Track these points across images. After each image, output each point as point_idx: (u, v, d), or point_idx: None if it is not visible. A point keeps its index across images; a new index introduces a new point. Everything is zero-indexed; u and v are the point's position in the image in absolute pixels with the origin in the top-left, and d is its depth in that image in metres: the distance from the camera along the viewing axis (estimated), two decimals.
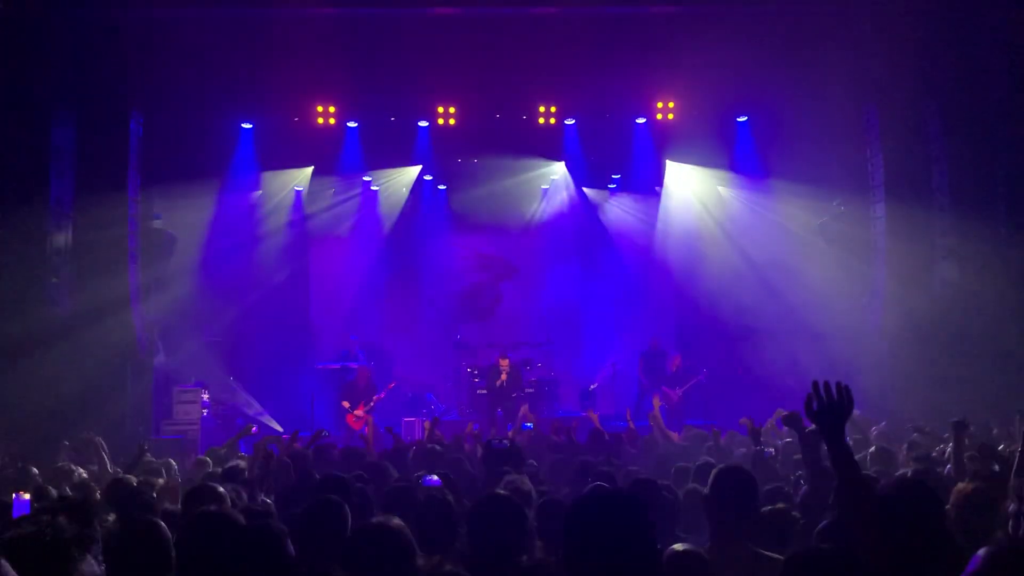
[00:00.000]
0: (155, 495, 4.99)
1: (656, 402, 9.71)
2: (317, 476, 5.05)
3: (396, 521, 3.14)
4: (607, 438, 7.92)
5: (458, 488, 4.81)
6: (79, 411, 10.55)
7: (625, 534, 2.23)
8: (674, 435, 8.78)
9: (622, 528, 2.24)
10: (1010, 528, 3.35)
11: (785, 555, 2.69)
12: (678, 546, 3.37)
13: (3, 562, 2.05)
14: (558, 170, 15.80)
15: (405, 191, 15.93)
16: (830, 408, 2.92)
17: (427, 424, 8.58)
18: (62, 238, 11.45)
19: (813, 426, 3.10)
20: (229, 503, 4.11)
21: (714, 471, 3.82)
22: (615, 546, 2.21)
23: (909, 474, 4.87)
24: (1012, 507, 3.45)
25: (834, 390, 2.93)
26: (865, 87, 12.51)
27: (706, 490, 3.73)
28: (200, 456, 8.41)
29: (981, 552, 1.98)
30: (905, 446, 6.97)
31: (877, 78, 12.11)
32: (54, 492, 4.82)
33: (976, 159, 11.46)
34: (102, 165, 11.83)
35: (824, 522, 3.63)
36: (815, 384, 2.97)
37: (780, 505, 4.35)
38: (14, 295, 10.53)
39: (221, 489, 4.10)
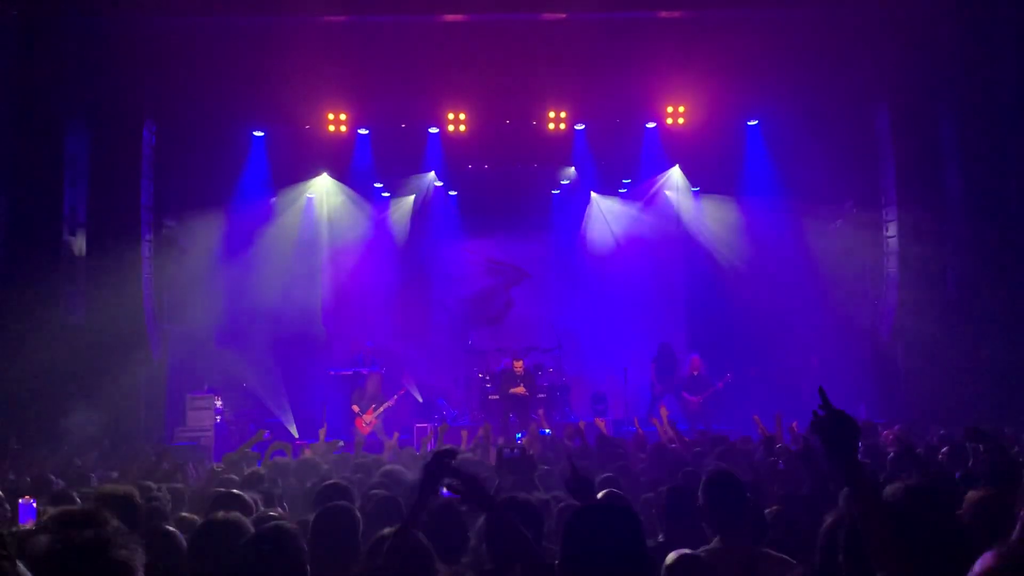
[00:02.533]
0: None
1: (664, 411, 9.67)
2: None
3: (417, 532, 3.17)
4: (614, 443, 7.92)
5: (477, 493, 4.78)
6: (94, 419, 10.63)
7: (618, 544, 2.30)
8: (685, 439, 8.78)
9: (615, 539, 2.31)
10: (1018, 531, 3.32)
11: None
12: (677, 552, 3.39)
13: (20, 565, 2.05)
14: (568, 175, 15.80)
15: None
16: (839, 425, 2.76)
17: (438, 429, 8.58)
18: (76, 246, 11.54)
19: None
20: (253, 509, 4.14)
21: (704, 478, 3.86)
22: (608, 556, 2.28)
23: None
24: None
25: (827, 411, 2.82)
26: (876, 89, 12.49)
27: (699, 497, 3.78)
28: (216, 463, 8.45)
29: (988, 555, 1.95)
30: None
31: (888, 79, 12.09)
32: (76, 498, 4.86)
33: (988, 160, 11.42)
34: (115, 174, 11.94)
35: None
36: (825, 400, 2.89)
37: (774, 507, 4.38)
38: (30, 303, 10.60)
39: (245, 495, 4.12)
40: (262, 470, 6.54)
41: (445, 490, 3.33)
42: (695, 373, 14.29)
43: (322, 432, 9.45)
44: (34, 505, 4.21)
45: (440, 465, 3.20)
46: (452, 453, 3.26)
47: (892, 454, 6.59)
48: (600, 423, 9.19)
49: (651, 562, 2.42)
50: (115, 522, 2.50)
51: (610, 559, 2.25)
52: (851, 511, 2.87)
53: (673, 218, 16.03)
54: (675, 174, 15.52)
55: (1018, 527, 3.05)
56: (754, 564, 3.43)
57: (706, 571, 3.26)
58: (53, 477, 7.16)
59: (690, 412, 13.85)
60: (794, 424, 8.42)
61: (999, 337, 10.99)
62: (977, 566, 1.93)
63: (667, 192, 15.90)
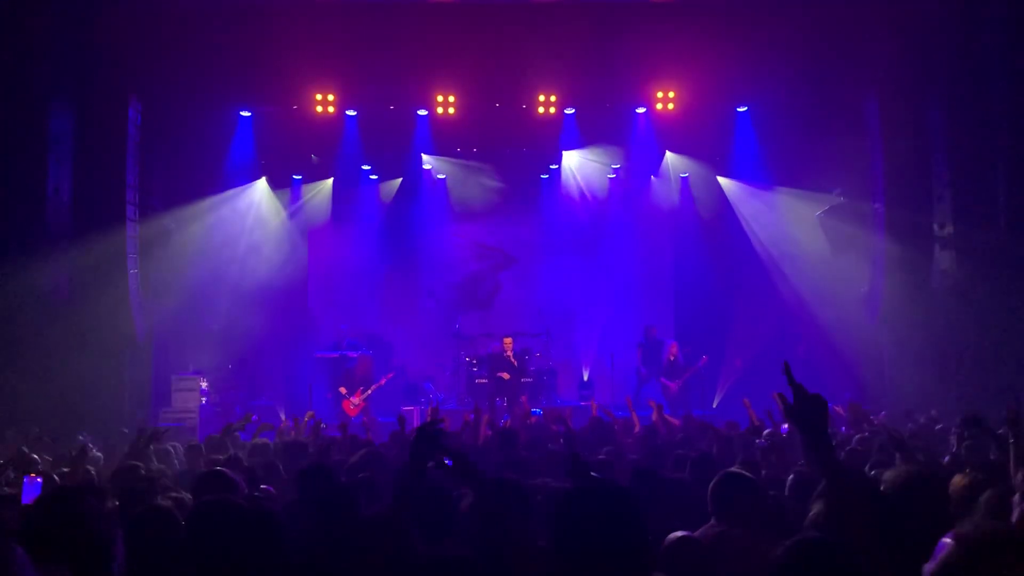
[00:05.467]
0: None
1: (653, 404, 9.71)
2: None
3: (398, 510, 3.16)
4: (605, 426, 7.93)
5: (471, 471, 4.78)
6: (78, 399, 10.56)
7: (615, 526, 2.21)
8: (675, 421, 8.82)
9: (612, 521, 2.22)
10: (1014, 517, 3.34)
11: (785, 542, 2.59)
12: (676, 534, 3.39)
13: (18, 550, 2.00)
14: (557, 159, 15.78)
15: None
16: (811, 406, 2.67)
17: (429, 411, 8.56)
18: (60, 225, 11.41)
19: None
20: (238, 489, 4.11)
21: (716, 478, 3.83)
22: (604, 539, 2.19)
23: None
24: (1017, 497, 3.45)
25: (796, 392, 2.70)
26: (866, 77, 12.50)
27: (710, 490, 3.77)
28: (195, 442, 8.38)
29: (949, 539, 1.85)
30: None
31: (878, 68, 12.10)
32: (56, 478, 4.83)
33: (976, 150, 11.45)
34: (100, 153, 11.80)
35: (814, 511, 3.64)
36: (790, 378, 2.75)
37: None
38: (13, 282, 10.50)
39: (231, 475, 4.09)
40: (242, 454, 6.51)
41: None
42: (672, 359, 14.36)
43: (308, 415, 9.38)
44: (40, 482, 4.18)
45: (428, 441, 3.10)
46: (438, 428, 3.17)
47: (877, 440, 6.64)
48: (593, 406, 9.19)
49: (649, 546, 2.35)
50: (93, 501, 2.48)
51: (607, 542, 2.19)
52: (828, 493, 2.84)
53: (660, 202, 16.05)
54: (663, 159, 15.51)
55: (1017, 512, 3.05)
56: (752, 548, 3.43)
57: (703, 553, 3.27)
58: (36, 456, 7.10)
59: (670, 397, 13.91)
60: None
61: (984, 326, 11.05)
62: (939, 551, 1.84)
63: (655, 177, 15.91)
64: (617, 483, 3.43)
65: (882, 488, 3.18)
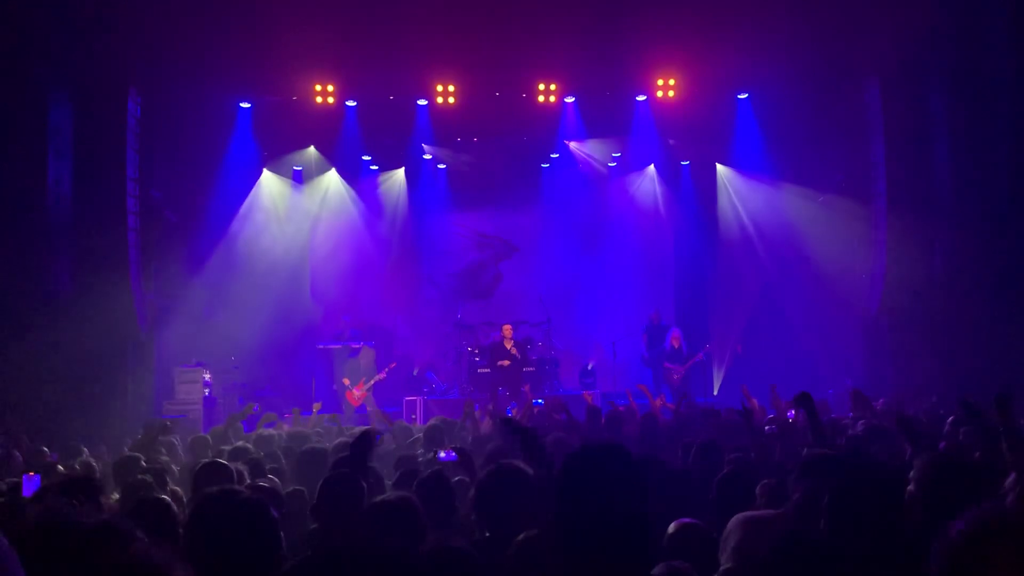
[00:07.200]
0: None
1: (643, 387, 9.71)
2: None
3: (410, 497, 3.18)
4: (603, 415, 7.95)
5: (472, 463, 4.82)
6: (80, 391, 10.59)
7: (619, 487, 2.14)
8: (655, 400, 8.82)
9: (615, 481, 2.15)
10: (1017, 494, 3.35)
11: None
12: (682, 521, 3.39)
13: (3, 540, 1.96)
14: (558, 149, 15.75)
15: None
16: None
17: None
18: (61, 218, 11.41)
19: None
20: (236, 480, 4.14)
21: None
22: (608, 504, 2.12)
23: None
24: (1010, 481, 3.46)
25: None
26: (867, 63, 12.47)
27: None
28: (202, 435, 8.42)
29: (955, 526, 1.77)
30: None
31: (880, 54, 12.05)
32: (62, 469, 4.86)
33: (978, 135, 11.42)
34: (100, 145, 11.78)
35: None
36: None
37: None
38: (15, 275, 10.50)
39: (231, 466, 4.11)
40: (248, 444, 6.54)
41: (443, 454, 3.34)
42: (676, 346, 14.35)
43: (316, 407, 9.42)
44: (39, 480, 4.21)
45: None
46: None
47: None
48: (588, 396, 9.20)
49: (648, 519, 2.28)
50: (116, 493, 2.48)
51: (611, 508, 2.11)
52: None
53: (662, 190, 16.04)
54: (664, 147, 15.46)
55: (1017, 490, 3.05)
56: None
57: (708, 541, 3.27)
58: (46, 449, 7.16)
59: (672, 384, 13.93)
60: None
61: (985, 311, 11.04)
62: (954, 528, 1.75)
63: (656, 165, 15.89)
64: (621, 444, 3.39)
65: (911, 488, 3.14)
